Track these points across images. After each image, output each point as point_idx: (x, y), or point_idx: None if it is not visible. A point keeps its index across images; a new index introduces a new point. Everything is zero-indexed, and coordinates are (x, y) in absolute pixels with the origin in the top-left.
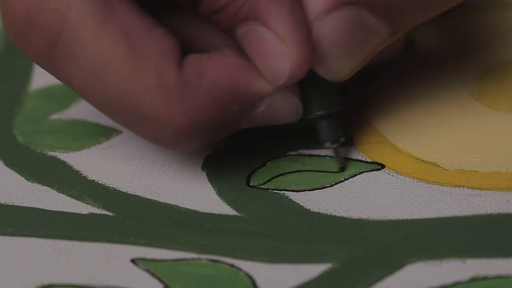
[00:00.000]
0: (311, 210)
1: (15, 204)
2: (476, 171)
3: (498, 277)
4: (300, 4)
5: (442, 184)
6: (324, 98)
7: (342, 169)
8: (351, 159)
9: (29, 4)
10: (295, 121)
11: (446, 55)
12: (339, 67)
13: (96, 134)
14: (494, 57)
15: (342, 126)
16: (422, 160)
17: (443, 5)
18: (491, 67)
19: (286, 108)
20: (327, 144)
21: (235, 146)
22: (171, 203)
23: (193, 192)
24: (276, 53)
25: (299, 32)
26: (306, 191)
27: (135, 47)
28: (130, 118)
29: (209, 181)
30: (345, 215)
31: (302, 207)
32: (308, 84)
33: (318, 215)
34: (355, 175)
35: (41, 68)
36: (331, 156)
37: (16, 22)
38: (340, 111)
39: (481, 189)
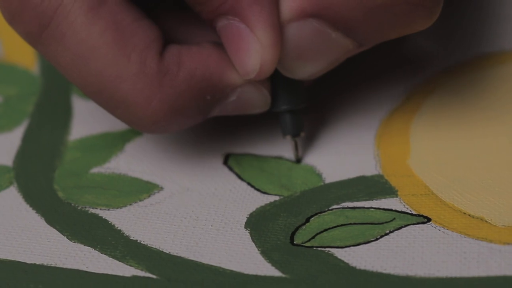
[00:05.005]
0: (357, 267)
1: (58, 266)
2: None
3: None
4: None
5: (490, 241)
6: (291, 94)
7: (299, 161)
8: (396, 211)
9: None
10: (263, 111)
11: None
12: (298, 69)
13: (136, 190)
14: None
15: (303, 122)
16: (469, 215)
17: (408, 28)
18: None
19: (255, 99)
20: (289, 137)
21: (278, 203)
22: (215, 264)
23: (237, 252)
24: (250, 50)
25: (274, 35)
26: (352, 247)
27: (122, 35)
28: (111, 101)
29: (253, 240)
30: (391, 271)
31: (347, 264)
32: (278, 79)
33: (365, 273)
34: (401, 227)
35: (80, 117)
36: (375, 208)
37: (12, 2)
38: (304, 108)
39: None
